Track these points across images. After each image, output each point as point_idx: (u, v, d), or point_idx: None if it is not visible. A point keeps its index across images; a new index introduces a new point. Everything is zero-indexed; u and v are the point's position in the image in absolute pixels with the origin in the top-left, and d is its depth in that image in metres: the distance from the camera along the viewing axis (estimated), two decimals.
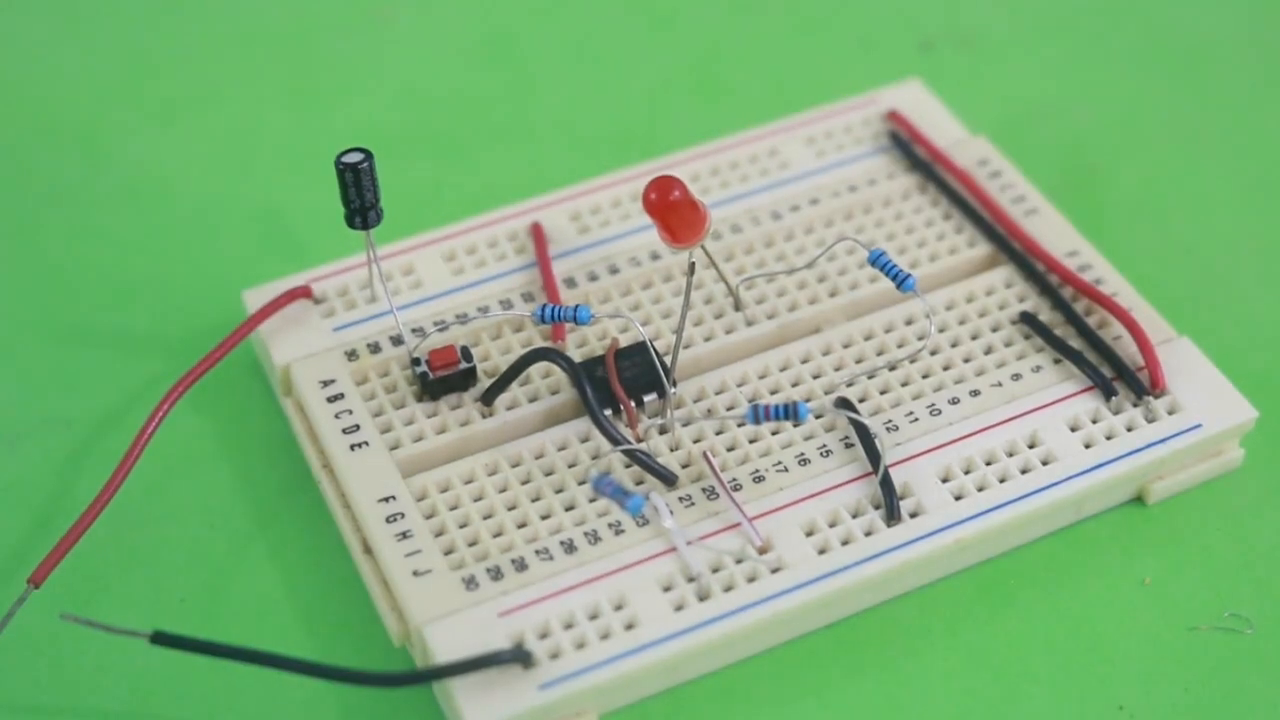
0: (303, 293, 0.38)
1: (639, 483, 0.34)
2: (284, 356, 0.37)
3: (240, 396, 0.38)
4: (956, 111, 0.42)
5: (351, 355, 0.37)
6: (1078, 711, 0.33)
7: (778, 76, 0.46)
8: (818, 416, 0.35)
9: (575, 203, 0.40)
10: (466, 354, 0.36)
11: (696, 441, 0.35)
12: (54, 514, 0.35)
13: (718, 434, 0.35)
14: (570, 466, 0.35)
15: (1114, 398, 0.35)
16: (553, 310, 0.35)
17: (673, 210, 0.33)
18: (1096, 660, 0.34)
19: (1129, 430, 0.35)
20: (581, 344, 0.37)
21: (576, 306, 0.35)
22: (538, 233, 0.39)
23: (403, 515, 0.34)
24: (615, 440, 0.34)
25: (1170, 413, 0.35)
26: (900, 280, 0.35)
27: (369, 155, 0.35)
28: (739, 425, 0.35)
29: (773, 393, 0.36)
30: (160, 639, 0.31)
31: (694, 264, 0.35)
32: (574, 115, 0.45)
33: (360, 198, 0.35)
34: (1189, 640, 0.34)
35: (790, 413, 0.33)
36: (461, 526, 0.34)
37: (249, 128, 0.45)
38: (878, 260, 0.36)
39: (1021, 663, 0.34)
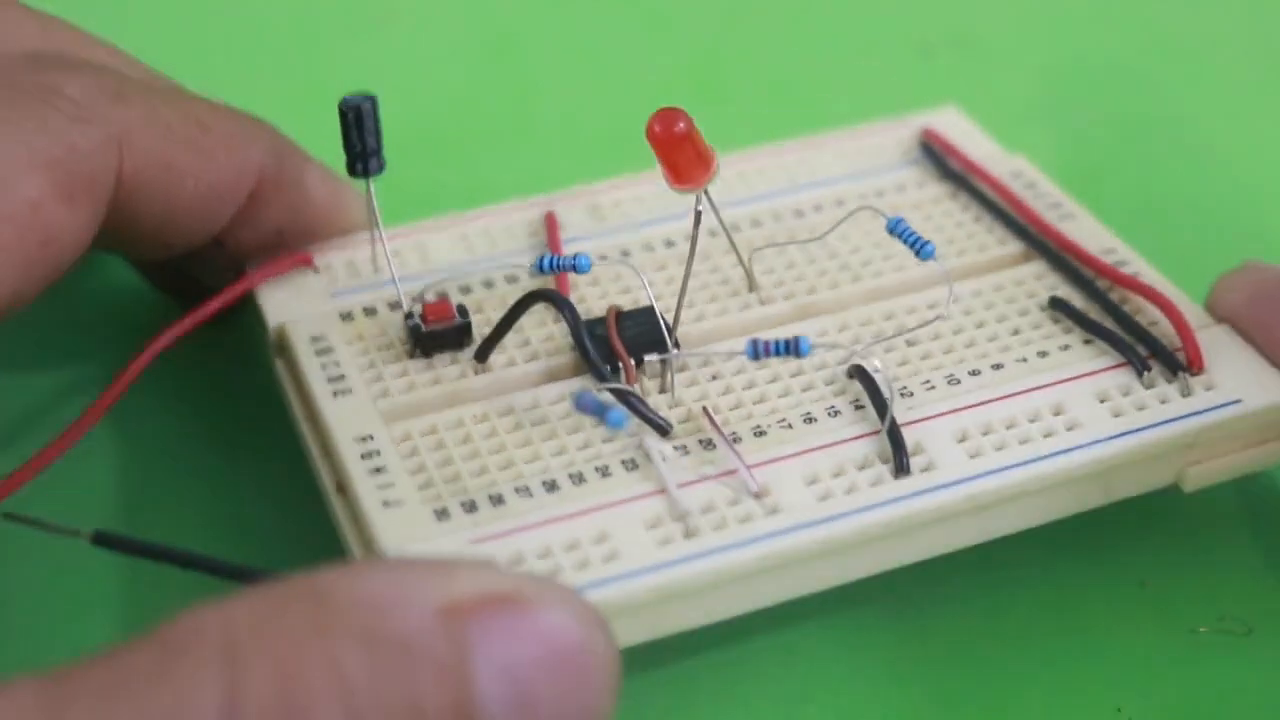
0: (303, 259, 0.36)
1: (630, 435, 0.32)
2: (277, 317, 0.35)
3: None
4: None
5: (347, 317, 0.35)
6: (1076, 713, 0.31)
7: (778, 81, 0.46)
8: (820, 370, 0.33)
9: (594, 198, 0.39)
10: (463, 310, 0.34)
11: (697, 401, 0.33)
12: None
13: (721, 395, 0.33)
14: (563, 418, 0.33)
15: (1147, 373, 0.33)
16: (551, 260, 0.34)
17: (677, 145, 0.32)
18: (1094, 662, 0.32)
19: (1163, 403, 0.33)
20: (581, 302, 0.35)
21: (576, 255, 0.33)
22: (550, 220, 0.38)
23: (379, 453, 0.32)
24: (603, 377, 0.32)
25: (1208, 389, 0.33)
26: (919, 247, 0.34)
27: (372, 98, 0.34)
28: (731, 367, 0.33)
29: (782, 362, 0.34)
30: (101, 539, 0.29)
31: (699, 212, 0.33)
32: (581, 119, 0.45)
33: (361, 142, 0.34)
34: (1188, 642, 0.32)
35: (791, 348, 0.31)
36: (443, 466, 0.32)
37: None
38: (896, 227, 0.34)
39: (1019, 664, 0.32)
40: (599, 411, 0.29)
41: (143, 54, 0.46)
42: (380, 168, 0.34)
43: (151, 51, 0.46)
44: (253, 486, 0.34)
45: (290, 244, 0.36)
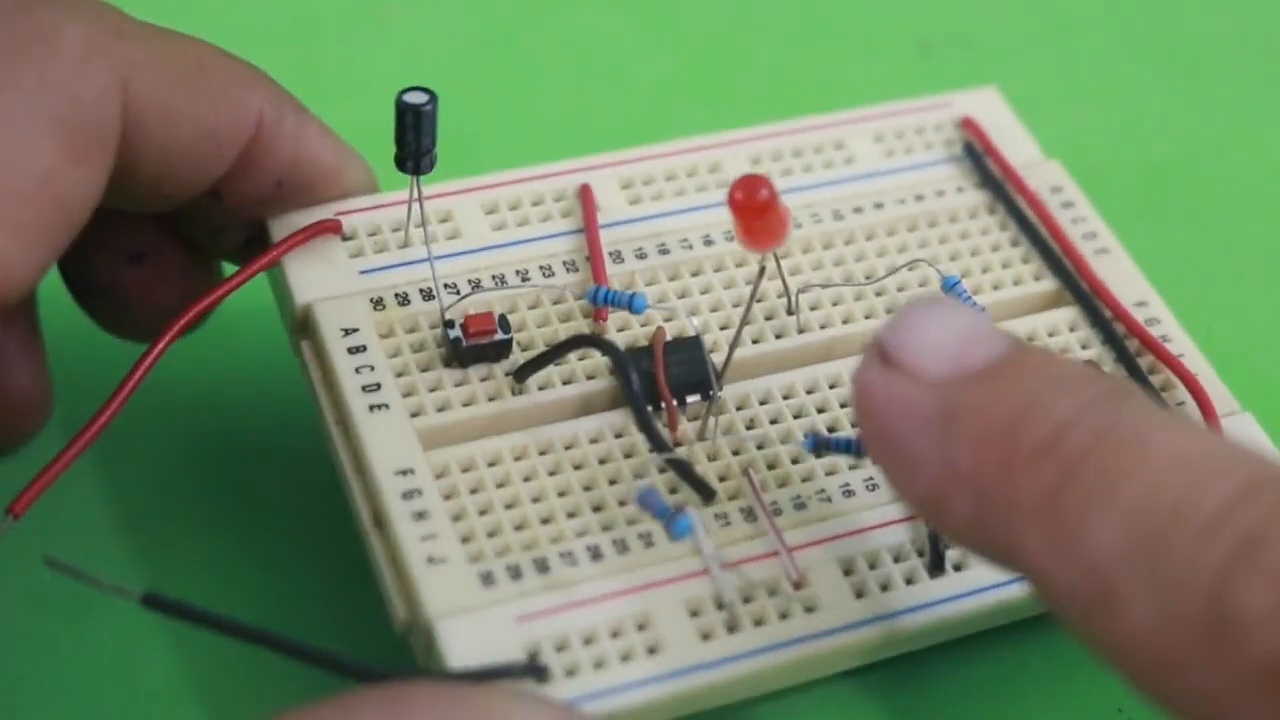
0: (331, 226, 0.35)
1: (673, 491, 0.32)
2: (305, 295, 0.34)
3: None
4: None
5: (378, 304, 0.34)
6: (1076, 713, 0.33)
7: (778, 79, 0.46)
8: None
9: (627, 169, 0.37)
10: (505, 324, 0.33)
11: (736, 454, 0.33)
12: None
13: (759, 448, 0.33)
14: (602, 462, 0.32)
15: None
16: (607, 294, 0.33)
17: (758, 212, 0.31)
18: (1095, 662, 0.33)
19: None
20: (623, 327, 0.34)
21: (633, 295, 0.33)
22: (587, 197, 0.36)
23: (420, 492, 0.31)
24: (662, 446, 0.32)
25: None
26: None
27: (433, 96, 0.32)
28: (767, 411, 0.33)
29: (820, 410, 0.34)
30: (152, 601, 0.29)
31: (764, 268, 0.32)
32: (580, 118, 0.44)
33: (418, 142, 0.32)
34: None
35: (854, 448, 0.31)
36: (482, 513, 0.31)
37: None
38: (952, 289, 0.34)
39: (1020, 664, 0.33)
40: (664, 516, 0.29)
41: None
42: (431, 165, 0.33)
43: None
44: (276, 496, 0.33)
45: (289, 198, 0.34)
